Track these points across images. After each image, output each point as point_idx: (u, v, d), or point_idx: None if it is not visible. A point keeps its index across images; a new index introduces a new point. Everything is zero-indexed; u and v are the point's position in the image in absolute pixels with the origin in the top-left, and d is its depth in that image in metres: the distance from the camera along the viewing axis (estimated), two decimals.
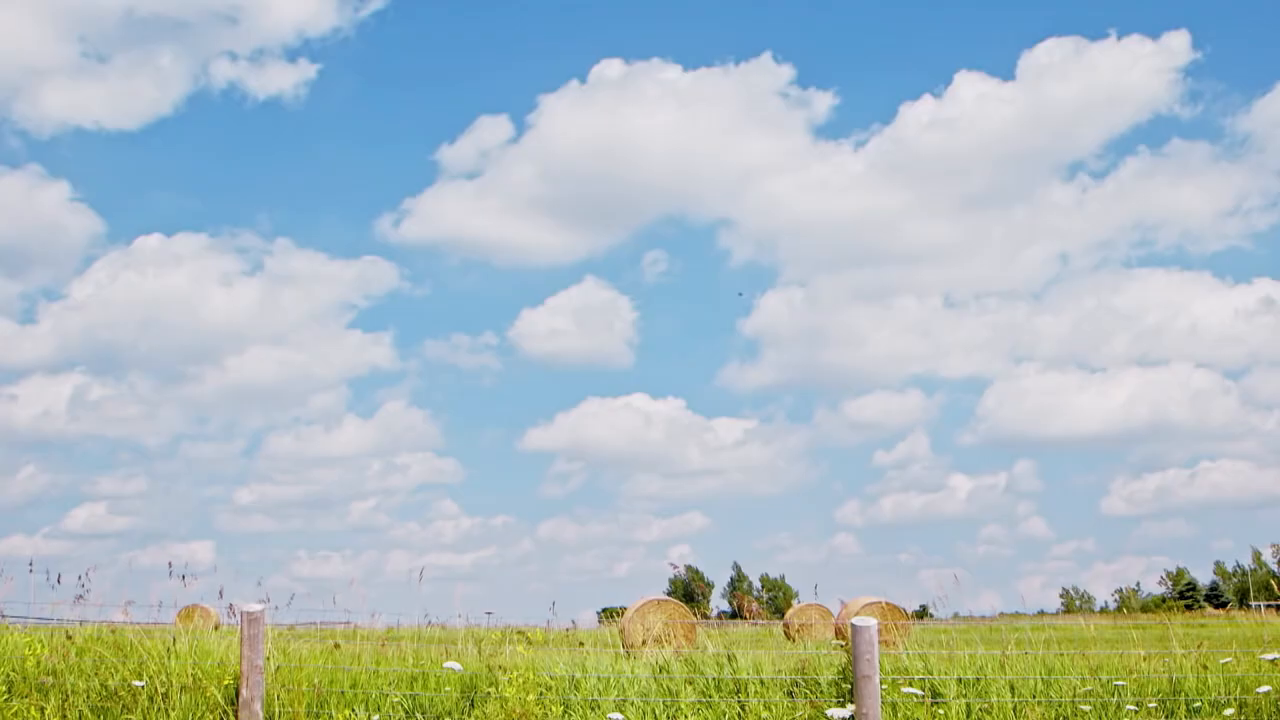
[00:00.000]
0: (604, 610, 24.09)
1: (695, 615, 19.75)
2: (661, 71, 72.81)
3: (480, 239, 73.75)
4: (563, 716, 8.27)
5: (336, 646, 9.24)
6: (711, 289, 75.35)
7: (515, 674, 8.19)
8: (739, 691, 9.07)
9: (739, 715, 8.80)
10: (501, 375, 72.20)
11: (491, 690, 8.18)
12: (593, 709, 8.53)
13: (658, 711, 8.69)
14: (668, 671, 9.46)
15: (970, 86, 71.43)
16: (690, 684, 9.18)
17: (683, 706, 8.85)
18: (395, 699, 8.47)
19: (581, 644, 10.53)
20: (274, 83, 69.47)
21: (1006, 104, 69.51)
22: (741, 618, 19.06)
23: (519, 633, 10.12)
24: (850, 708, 8.40)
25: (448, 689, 8.41)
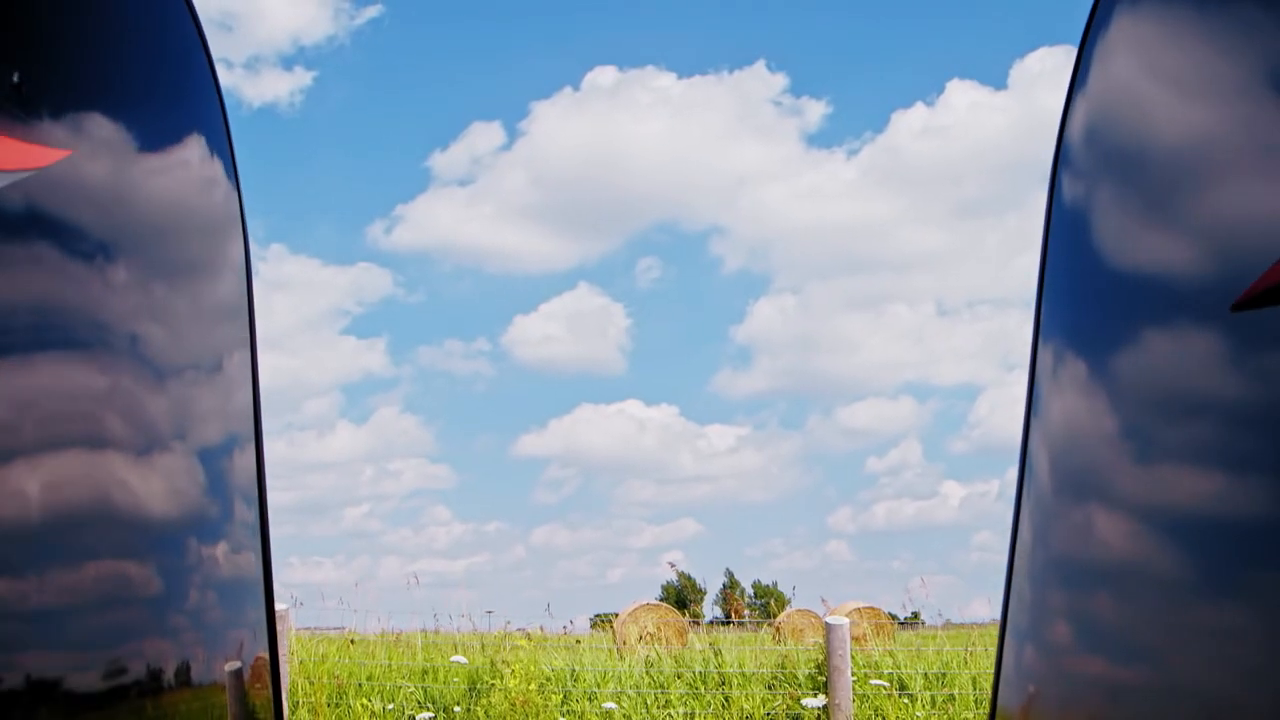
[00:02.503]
0: (596, 616, 24.89)
1: (686, 619, 20.61)
2: (655, 79, 73.87)
3: (473, 246, 74.64)
4: (561, 706, 9.14)
5: (352, 643, 10.12)
6: (704, 296, 76.28)
7: (518, 667, 9.07)
8: (724, 685, 9.97)
9: (723, 706, 9.69)
10: (494, 381, 73.03)
11: (496, 682, 9.05)
12: (589, 700, 9.40)
13: (649, 702, 9.57)
14: (659, 667, 10.35)
15: (962, 95, 72.57)
16: (679, 678, 10.07)
17: (672, 698, 9.73)
18: (408, 690, 9.33)
19: (579, 642, 11.42)
20: (269, 90, 70.28)
21: (999, 112, 70.63)
22: (731, 621, 19.86)
23: (520, 631, 11.01)
24: (823, 698, 9.31)
25: (455, 680, 9.29)
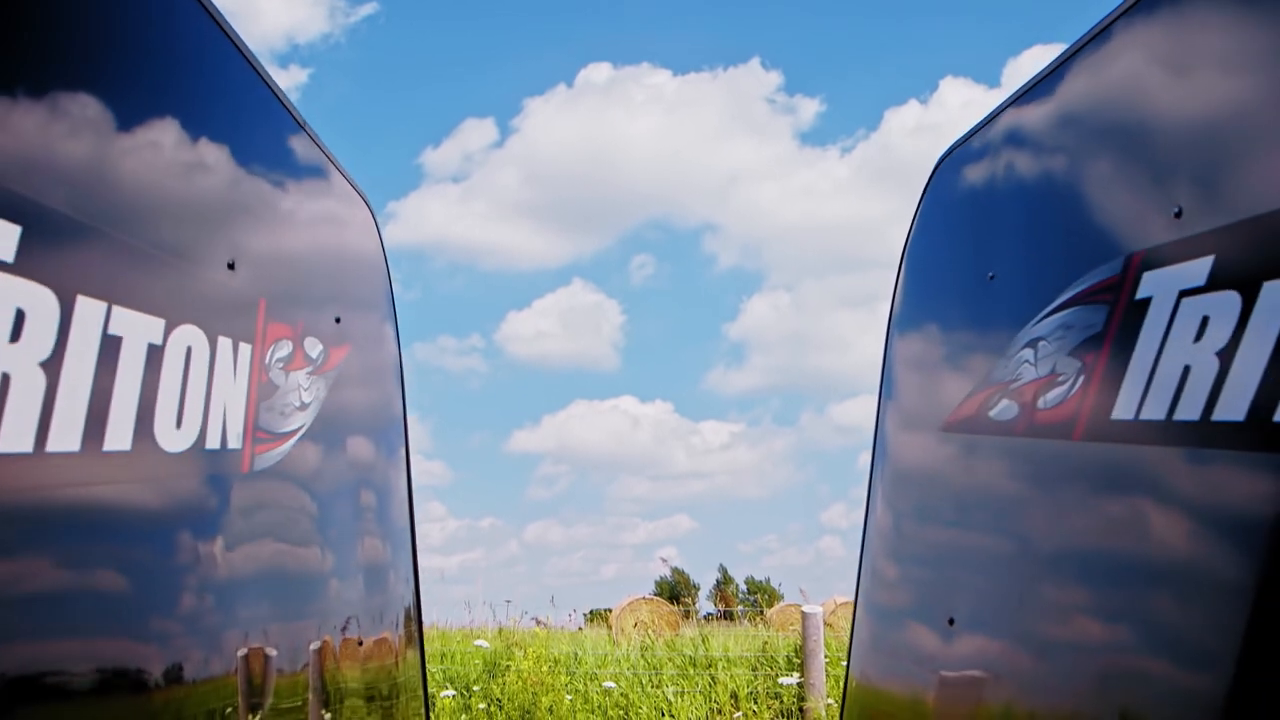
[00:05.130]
0: (590, 612, 26.16)
1: (679, 614, 21.98)
2: (650, 76, 75.14)
3: (466, 242, 75.88)
4: (568, 684, 10.49)
5: None
6: (698, 293, 77.63)
7: (530, 650, 10.42)
8: (710, 667, 11.32)
9: (710, 685, 11.04)
10: (488, 378, 74.29)
11: (510, 664, 10.40)
12: (591, 680, 10.76)
13: (644, 682, 10.93)
14: (652, 651, 11.72)
15: (956, 93, 73.88)
16: (670, 661, 11.43)
17: (664, 679, 11.08)
18: (430, 671, 10.68)
19: (580, 629, 12.78)
20: None
21: None
22: (722, 614, 21.27)
23: (534, 619, 12.36)
24: (799, 676, 10.68)
25: (476, 662, 10.63)
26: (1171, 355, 1.61)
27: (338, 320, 2.59)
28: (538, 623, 12.01)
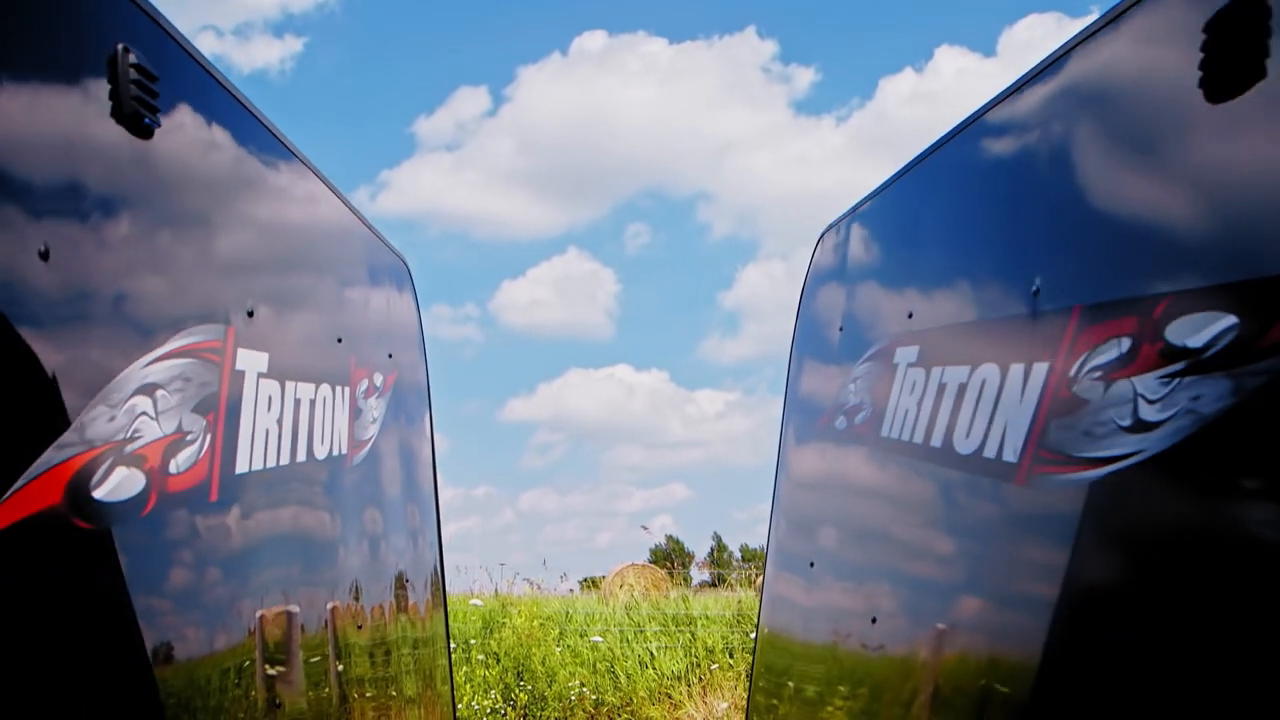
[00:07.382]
0: (583, 580, 27.43)
1: (670, 582, 23.27)
2: (645, 44, 75.79)
3: (459, 211, 76.83)
4: (558, 639, 11.79)
5: None
6: (693, 262, 78.68)
7: (523, 608, 11.70)
8: (691, 624, 12.64)
9: (690, 640, 12.36)
10: (483, 347, 75.41)
11: (505, 620, 11.68)
12: (580, 636, 12.06)
13: (629, 637, 12.23)
14: (637, 610, 13.04)
15: (951, 61, 74.56)
16: (654, 619, 12.74)
17: (648, 634, 12.39)
18: None
19: (572, 592, 14.08)
20: (260, 57, 71.88)
21: (987, 79, 72.72)
22: (713, 582, 22.58)
23: (526, 580, 13.65)
24: None
25: (474, 620, 11.92)
26: (903, 402, 2.81)
27: (390, 356, 3.78)
28: (530, 584, 13.30)
